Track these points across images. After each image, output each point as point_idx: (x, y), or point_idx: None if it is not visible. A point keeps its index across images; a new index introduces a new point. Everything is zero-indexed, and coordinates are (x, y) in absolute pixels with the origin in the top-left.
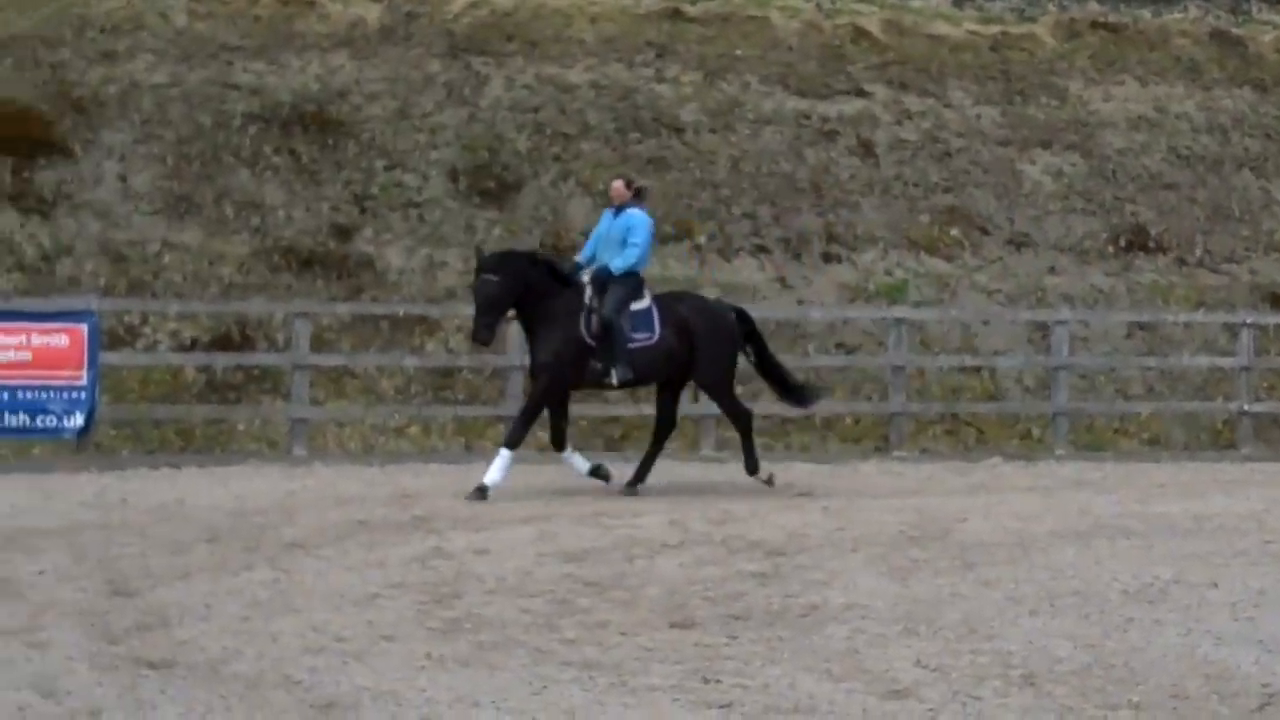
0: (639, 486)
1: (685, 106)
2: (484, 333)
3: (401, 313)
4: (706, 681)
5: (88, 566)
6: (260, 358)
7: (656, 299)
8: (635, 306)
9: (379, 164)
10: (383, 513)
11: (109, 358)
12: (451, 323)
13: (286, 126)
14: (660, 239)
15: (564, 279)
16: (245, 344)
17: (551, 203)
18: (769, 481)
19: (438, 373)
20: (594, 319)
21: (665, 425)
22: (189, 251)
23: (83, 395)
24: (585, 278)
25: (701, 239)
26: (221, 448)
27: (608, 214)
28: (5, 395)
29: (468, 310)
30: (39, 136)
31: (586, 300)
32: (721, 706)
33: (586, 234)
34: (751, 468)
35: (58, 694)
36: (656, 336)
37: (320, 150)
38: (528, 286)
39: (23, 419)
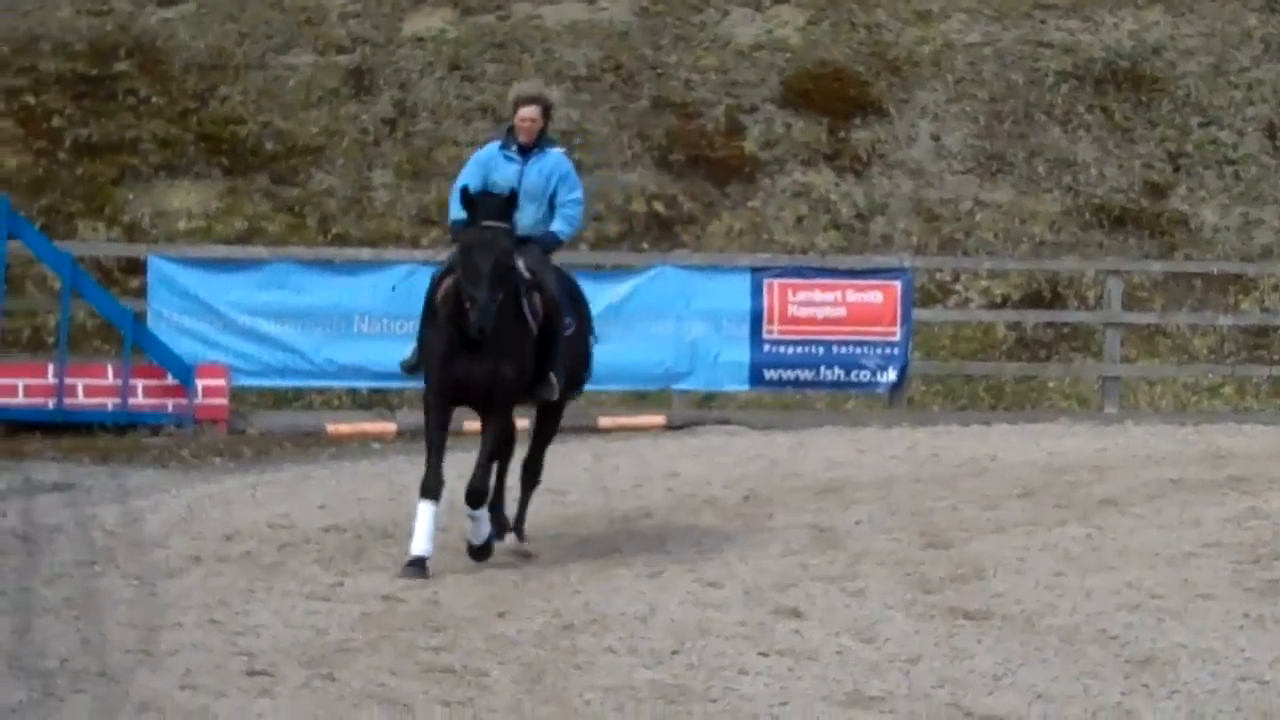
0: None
1: None
2: (490, 315)
3: (1215, 271)
4: None
5: (901, 518)
6: (1071, 315)
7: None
8: None
9: (1193, 121)
10: (1196, 472)
11: (921, 314)
12: (1268, 281)
13: (1099, 84)
14: None
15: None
16: (1056, 301)
17: None
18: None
19: (1252, 332)
20: (537, 301)
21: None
22: (1000, 209)
23: (896, 351)
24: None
25: None
26: (1032, 405)
27: (503, 155)
28: (821, 350)
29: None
30: (855, 97)
31: (526, 276)
32: None
33: None
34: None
35: (876, 640)
36: (574, 325)
37: (1133, 108)
38: None
39: (838, 373)
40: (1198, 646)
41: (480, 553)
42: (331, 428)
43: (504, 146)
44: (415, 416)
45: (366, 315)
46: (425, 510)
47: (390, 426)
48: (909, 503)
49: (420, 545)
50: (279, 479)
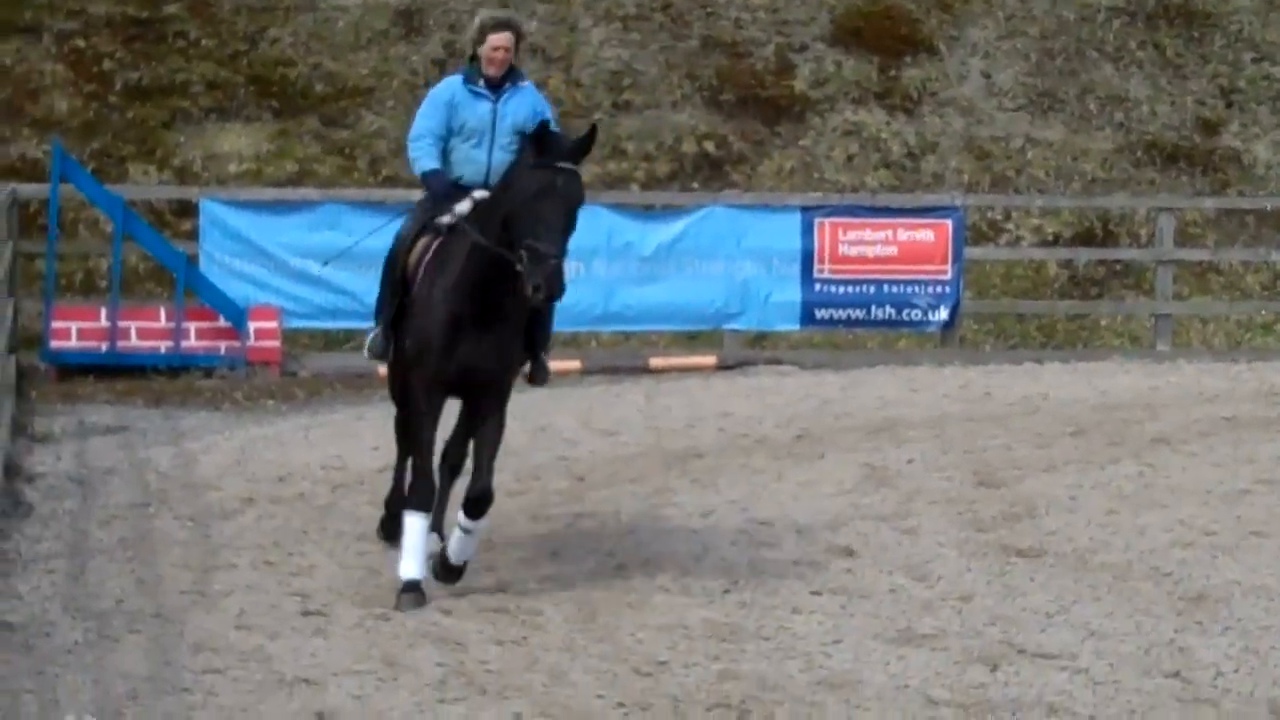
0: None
1: None
2: (562, 276)
3: (1269, 207)
4: None
5: (954, 457)
6: (1123, 253)
7: None
8: None
9: (1246, 56)
10: (1249, 409)
11: (973, 252)
12: None
13: (1151, 19)
14: None
15: None
16: (1108, 239)
17: None
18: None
19: None
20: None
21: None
22: (1052, 147)
23: (947, 290)
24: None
25: None
26: (1084, 343)
27: (469, 91)
28: (872, 289)
29: None
30: (905, 34)
31: None
32: None
33: None
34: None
35: (928, 578)
36: None
37: (1185, 43)
38: None
39: (889, 312)
40: (1251, 583)
41: (456, 574)
42: (383, 369)
43: (468, 81)
44: None
45: None
46: (416, 525)
47: None
48: (961, 441)
49: (413, 567)
50: (331, 421)
